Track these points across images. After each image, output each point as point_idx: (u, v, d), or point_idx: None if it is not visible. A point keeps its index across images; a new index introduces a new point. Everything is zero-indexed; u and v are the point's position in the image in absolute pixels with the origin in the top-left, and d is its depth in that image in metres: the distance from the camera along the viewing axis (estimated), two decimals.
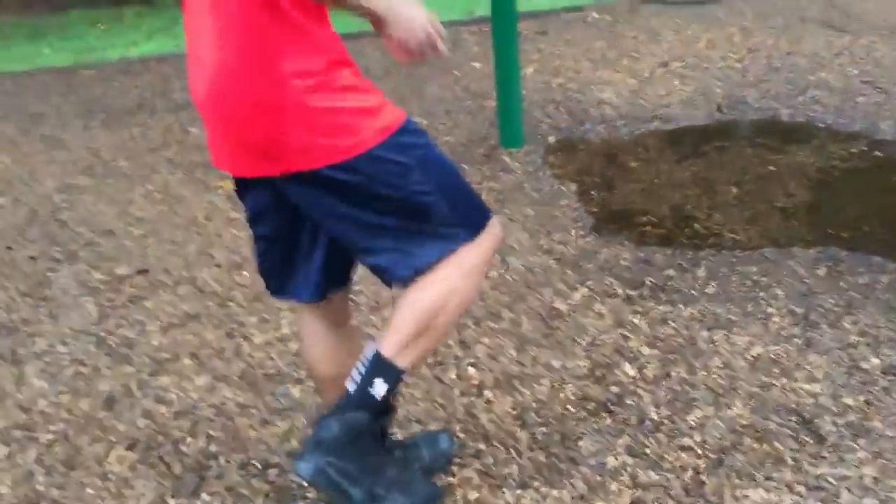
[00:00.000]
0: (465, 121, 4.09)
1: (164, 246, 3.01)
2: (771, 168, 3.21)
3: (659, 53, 4.84)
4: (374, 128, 1.35)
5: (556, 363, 2.14)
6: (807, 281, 2.43)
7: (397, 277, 1.45)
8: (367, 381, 1.43)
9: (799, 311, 2.27)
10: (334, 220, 1.41)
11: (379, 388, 1.43)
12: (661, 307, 2.36)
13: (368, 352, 1.45)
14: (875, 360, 2.03)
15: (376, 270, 1.48)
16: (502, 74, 3.57)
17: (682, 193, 3.08)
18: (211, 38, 1.32)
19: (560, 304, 2.41)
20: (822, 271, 2.47)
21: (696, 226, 2.84)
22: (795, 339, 2.15)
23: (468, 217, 1.47)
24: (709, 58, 4.66)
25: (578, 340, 2.23)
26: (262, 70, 1.29)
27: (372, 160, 1.35)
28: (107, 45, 6.27)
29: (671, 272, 2.55)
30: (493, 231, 1.51)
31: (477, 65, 4.93)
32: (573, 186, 3.25)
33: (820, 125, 3.61)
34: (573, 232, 2.87)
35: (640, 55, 4.87)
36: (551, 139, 3.76)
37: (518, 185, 3.30)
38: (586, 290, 2.49)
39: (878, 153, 3.26)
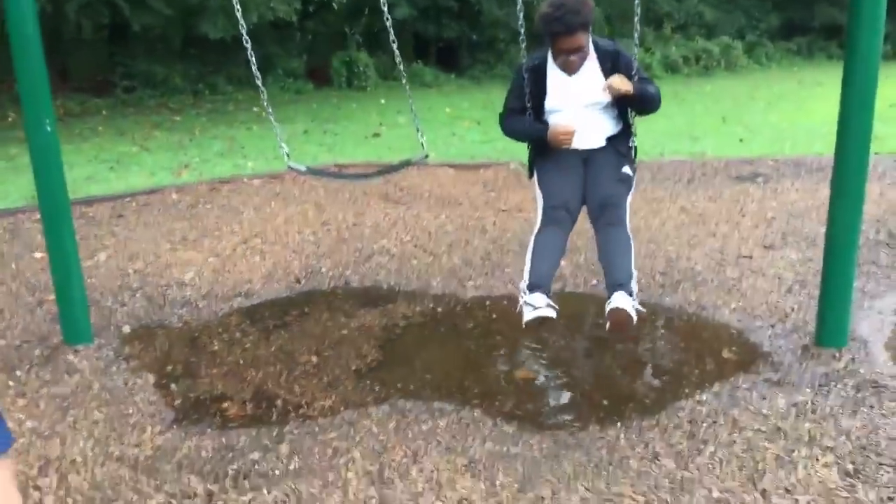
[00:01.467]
0: (23, 319, 3.63)
1: None
2: (344, 332, 3.44)
3: (239, 231, 5.00)
4: None
5: None
6: (381, 438, 2.58)
7: None
8: None
9: (374, 469, 2.38)
10: None
11: None
12: (244, 497, 2.26)
13: None
14: None
15: None
16: (58, 264, 3.27)
17: (264, 371, 3.10)
18: None
19: None
20: (392, 425, 2.66)
21: (278, 402, 2.86)
22: (372, 501, 2.23)
23: None
24: (287, 232, 4.96)
25: None
26: None
27: None
28: None
29: (255, 455, 2.49)
30: None
31: (38, 255, 4.48)
32: (151, 378, 3.05)
33: (384, 287, 4.04)
34: (149, 430, 2.65)
35: (221, 233, 4.96)
36: (126, 329, 3.52)
37: (86, 387, 2.97)
38: (163, 496, 2.27)
39: (431, 308, 3.73)
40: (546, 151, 3.22)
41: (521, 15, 3.11)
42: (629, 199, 3.19)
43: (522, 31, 3.16)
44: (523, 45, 3.21)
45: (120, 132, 9.69)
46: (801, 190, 5.65)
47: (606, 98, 3.11)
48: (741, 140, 8.29)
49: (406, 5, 15.29)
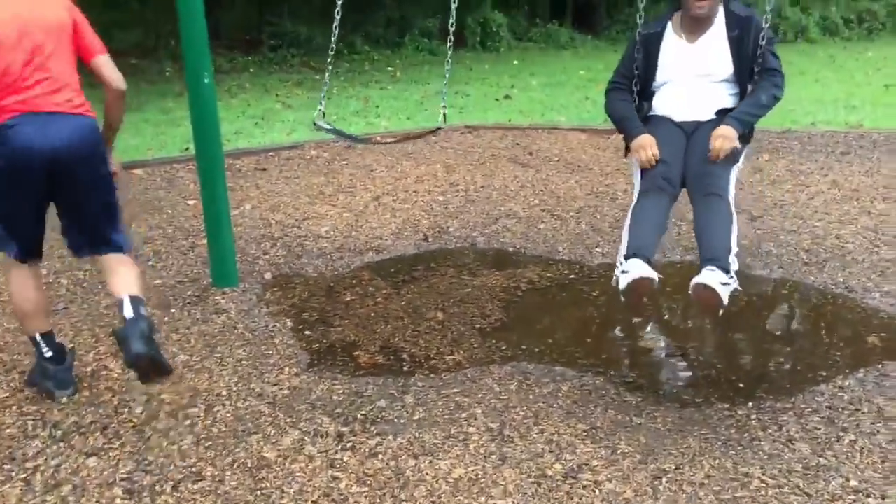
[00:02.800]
0: (176, 261, 3.94)
1: None
2: (468, 290, 3.50)
3: (372, 188, 5.16)
4: None
5: None
6: (502, 397, 2.62)
7: None
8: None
9: (495, 427, 2.43)
10: None
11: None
12: (371, 441, 2.38)
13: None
14: (558, 466, 2.22)
15: None
16: (210, 212, 3.52)
17: (393, 324, 3.22)
18: None
19: (269, 453, 2.33)
20: (513, 385, 2.69)
21: (405, 354, 2.96)
22: (492, 456, 2.29)
23: None
24: (417, 191, 5.07)
25: (287, 490, 2.15)
26: None
27: None
28: None
29: (382, 403, 2.61)
30: None
31: (191, 202, 4.83)
32: (289, 323, 3.24)
33: (510, 249, 4.05)
34: (287, 371, 2.84)
35: (355, 190, 5.14)
36: (268, 276, 3.75)
37: (231, 326, 3.20)
38: (297, 432, 2.44)
39: (557, 272, 3.72)
40: (646, 121, 3.00)
41: None
42: (735, 171, 2.85)
43: None
44: (642, 4, 2.96)
45: (265, 89, 10.17)
46: None
47: (726, 72, 2.87)
48: None
49: None
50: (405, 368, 2.86)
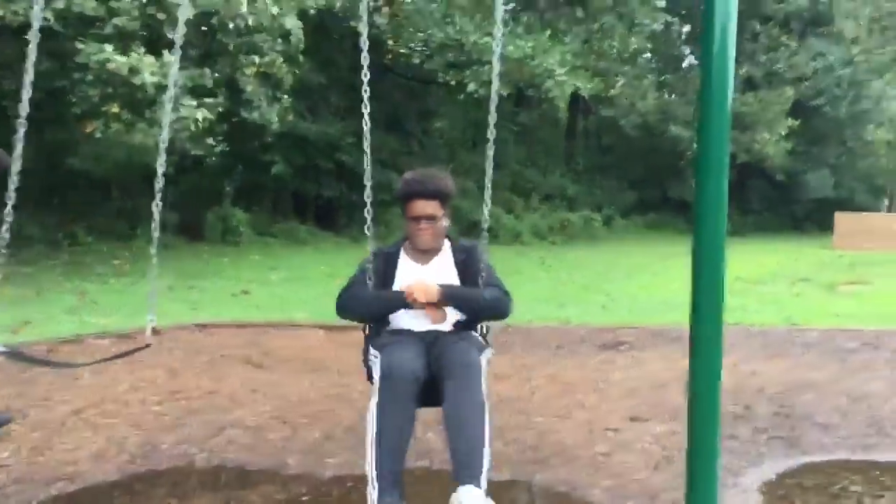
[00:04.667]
0: None
1: None
2: None
3: (72, 400, 4.46)
4: None
5: None
6: None
7: None
8: None
9: None
10: None
11: None
12: None
13: None
14: None
15: None
16: None
17: None
18: None
19: None
20: None
21: None
22: None
23: None
24: (128, 402, 4.47)
25: None
26: None
27: None
28: None
29: None
30: None
31: None
32: None
33: (233, 466, 3.63)
34: None
35: (51, 403, 4.40)
36: None
37: None
38: None
39: (286, 492, 3.36)
40: (384, 331, 3.07)
41: (369, 186, 2.99)
42: (484, 363, 2.89)
43: (369, 209, 2.99)
44: (370, 233, 3.03)
45: None
46: (662, 359, 5.83)
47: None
48: (603, 307, 8.65)
49: (283, 163, 15.54)
50: None
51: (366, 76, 2.90)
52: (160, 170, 3.01)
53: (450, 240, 3.23)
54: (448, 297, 3.00)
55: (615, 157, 25.39)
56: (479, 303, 3.03)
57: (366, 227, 2.99)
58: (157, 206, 3.04)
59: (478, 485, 2.44)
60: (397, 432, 2.60)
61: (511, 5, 21.73)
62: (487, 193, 3.00)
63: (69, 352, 5.52)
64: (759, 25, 23.41)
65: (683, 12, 24.74)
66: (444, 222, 3.16)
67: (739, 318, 7.68)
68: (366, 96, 2.89)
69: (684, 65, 25.62)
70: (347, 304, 3.08)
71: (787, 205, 24.55)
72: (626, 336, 6.77)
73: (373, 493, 2.53)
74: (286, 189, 16.40)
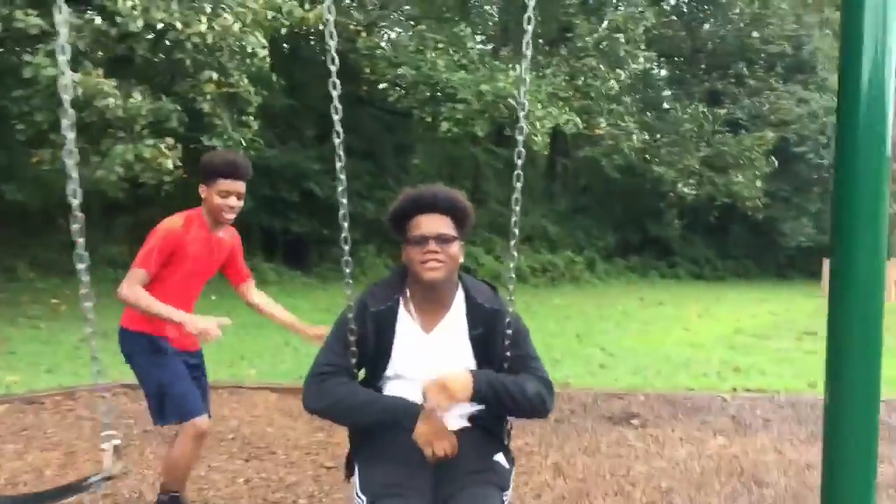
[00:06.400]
0: None
1: None
2: None
3: None
4: None
5: None
6: None
7: None
8: None
9: None
10: None
11: None
12: None
13: None
14: None
15: None
16: None
17: None
18: None
19: None
20: None
21: None
22: None
23: None
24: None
25: None
26: None
27: None
28: None
29: None
30: None
31: None
32: None
33: None
34: None
35: None
36: None
37: None
38: None
39: None
40: (375, 434, 2.12)
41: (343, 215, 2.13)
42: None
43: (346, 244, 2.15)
44: (348, 275, 2.16)
45: None
46: (687, 440, 4.80)
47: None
48: (601, 365, 7.67)
49: (247, 195, 14.45)
50: None
51: (336, 88, 2.07)
52: (74, 223, 2.01)
53: (464, 286, 2.23)
54: (483, 398, 2.06)
55: (594, 198, 24.76)
56: (519, 403, 2.08)
57: (345, 281, 2.06)
58: (82, 264, 2.02)
59: None
60: None
61: (490, 46, 21.18)
62: (514, 242, 2.19)
63: None
64: (746, 68, 23.12)
65: (663, 59, 24.52)
66: (459, 251, 2.19)
67: (758, 382, 6.74)
68: (336, 118, 2.08)
69: (665, 105, 25.26)
70: (325, 405, 2.14)
71: (769, 250, 24.03)
72: (637, 405, 5.76)
73: None
74: (251, 223, 15.28)
